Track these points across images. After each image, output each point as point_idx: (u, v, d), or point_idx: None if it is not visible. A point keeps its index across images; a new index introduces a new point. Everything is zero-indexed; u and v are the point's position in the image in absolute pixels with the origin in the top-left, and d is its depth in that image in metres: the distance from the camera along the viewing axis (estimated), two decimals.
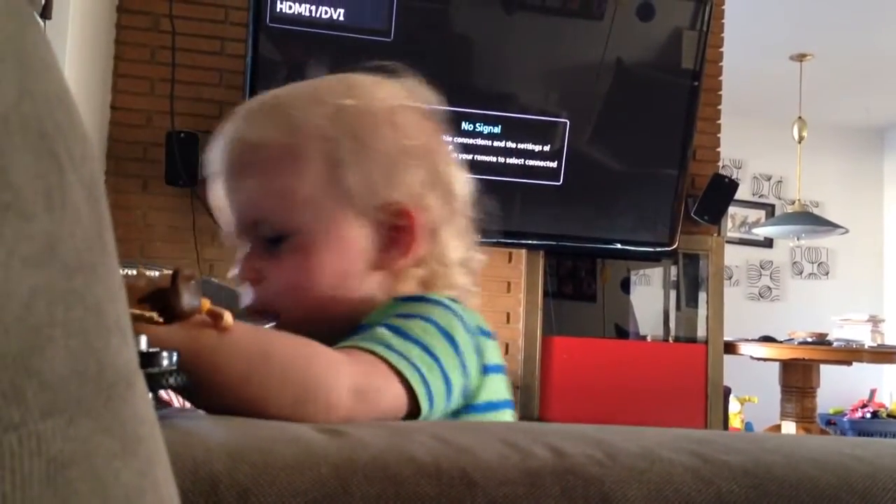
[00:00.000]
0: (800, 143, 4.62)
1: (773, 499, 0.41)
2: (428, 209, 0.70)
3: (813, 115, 4.73)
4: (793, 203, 4.93)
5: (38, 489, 0.17)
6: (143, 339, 0.46)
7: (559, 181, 2.71)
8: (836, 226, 4.51)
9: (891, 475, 0.45)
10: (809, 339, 4.18)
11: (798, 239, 4.91)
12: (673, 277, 3.43)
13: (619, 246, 2.94)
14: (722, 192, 3.07)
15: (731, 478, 0.43)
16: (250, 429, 0.45)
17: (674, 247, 2.92)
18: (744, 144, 5.60)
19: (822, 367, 4.06)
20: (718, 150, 3.20)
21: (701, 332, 3.23)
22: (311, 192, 0.67)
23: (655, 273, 3.56)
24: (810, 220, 4.63)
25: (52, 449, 0.17)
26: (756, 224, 5.51)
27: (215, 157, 0.71)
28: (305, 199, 0.67)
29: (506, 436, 0.46)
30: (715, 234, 3.17)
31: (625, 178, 2.87)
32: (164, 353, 0.46)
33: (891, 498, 0.42)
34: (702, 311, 3.24)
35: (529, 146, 2.77)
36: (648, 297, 3.62)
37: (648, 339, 3.50)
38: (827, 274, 6.09)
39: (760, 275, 5.94)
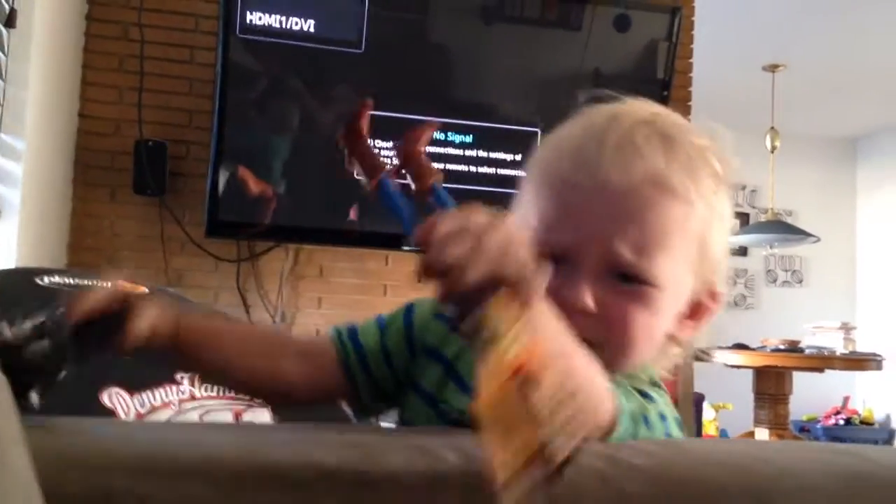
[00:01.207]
0: (773, 152, 4.68)
1: (674, 498, 0.42)
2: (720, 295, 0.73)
3: (786, 124, 4.78)
4: (766, 212, 4.98)
5: None
6: None
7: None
8: (807, 234, 4.56)
9: (793, 477, 0.46)
10: (782, 347, 4.22)
11: (771, 247, 4.96)
12: None
13: None
14: None
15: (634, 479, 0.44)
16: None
17: None
18: None
19: (795, 374, 4.09)
20: None
21: None
22: (688, 260, 0.68)
23: None
24: (783, 228, 4.68)
25: None
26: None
27: (603, 172, 0.66)
28: (683, 261, 0.67)
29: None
30: None
31: None
32: None
33: (787, 498, 0.43)
34: None
35: (502, 155, 2.78)
36: None
37: None
38: (801, 282, 6.16)
39: (735, 283, 5.99)
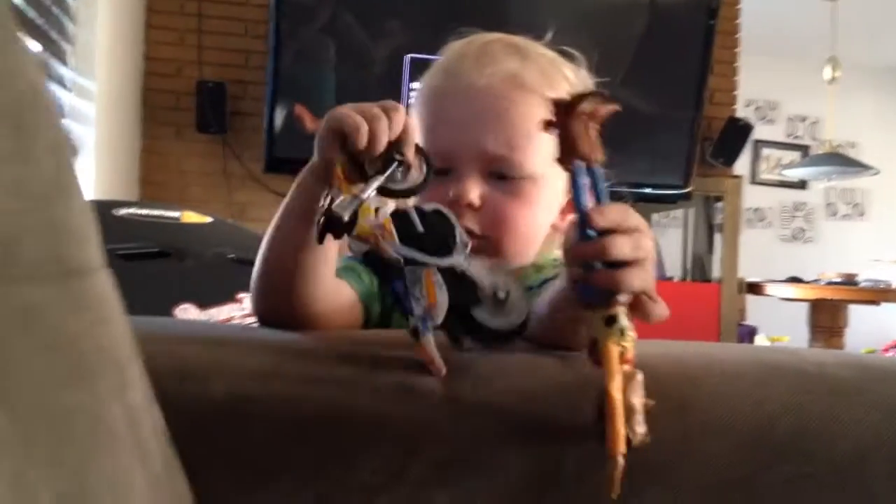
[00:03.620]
0: (832, 83, 4.58)
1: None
2: None
3: (847, 55, 4.67)
4: (825, 144, 4.91)
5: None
6: None
7: None
8: (866, 167, 4.48)
9: (721, 363, 0.56)
10: (837, 280, 4.21)
11: (829, 180, 4.89)
12: (693, 219, 3.49)
13: (633, 189, 3.01)
14: (737, 134, 3.11)
15: None
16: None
17: (689, 189, 2.98)
18: (778, 85, 5.55)
19: (852, 307, 4.09)
20: (735, 93, 3.22)
21: (717, 272, 3.31)
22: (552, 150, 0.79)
23: (688, 215, 3.62)
24: (840, 161, 4.60)
25: (22, 300, 0.29)
26: (789, 166, 5.49)
27: (466, 77, 0.76)
28: (549, 153, 0.78)
29: None
30: (731, 176, 3.22)
31: (640, 121, 2.92)
32: None
33: (713, 378, 0.54)
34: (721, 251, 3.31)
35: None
36: (677, 239, 3.69)
37: (675, 280, 3.58)
38: (862, 215, 6.05)
39: (794, 216, 5.93)
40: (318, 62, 2.75)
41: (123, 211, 1.23)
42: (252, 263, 0.68)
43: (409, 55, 2.59)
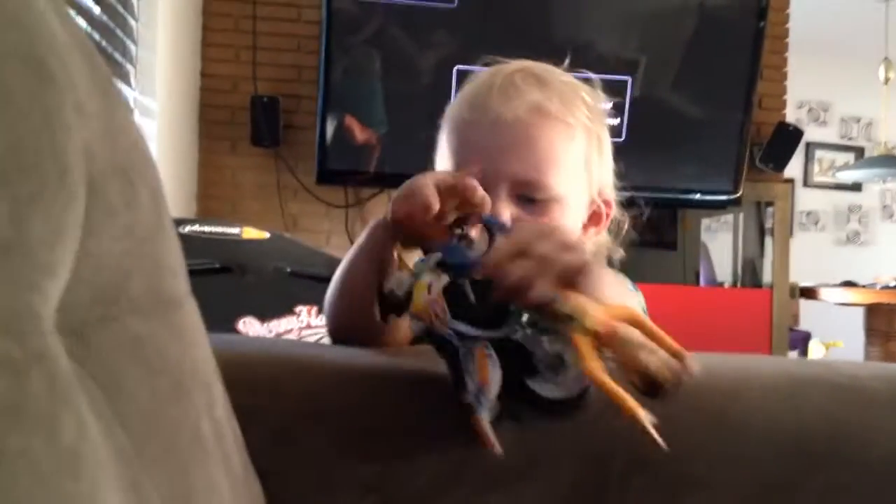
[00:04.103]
0: (886, 83, 4.50)
1: None
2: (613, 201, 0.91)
3: None
4: (880, 145, 4.82)
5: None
6: None
7: (621, 138, 2.78)
8: None
9: (758, 378, 0.59)
10: (892, 284, 4.13)
11: (884, 182, 4.81)
12: (743, 224, 3.47)
13: (682, 196, 3.01)
14: (787, 140, 3.09)
15: None
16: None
17: (738, 194, 2.96)
18: (831, 87, 5.47)
19: None
20: (784, 97, 3.20)
21: (769, 277, 3.28)
22: (579, 172, 0.85)
23: (738, 220, 3.60)
24: (894, 163, 4.52)
25: (133, 331, 0.34)
26: (843, 168, 5.40)
27: (494, 110, 0.82)
28: (575, 175, 0.84)
29: None
30: (781, 181, 3.19)
31: (688, 127, 2.92)
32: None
33: (750, 390, 0.57)
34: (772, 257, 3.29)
35: (606, 117, 2.84)
36: (727, 244, 3.67)
37: (726, 285, 3.56)
38: None
39: (848, 219, 5.82)
40: (368, 75, 2.81)
41: (188, 229, 1.30)
42: (307, 277, 0.73)
43: (456, 66, 2.64)
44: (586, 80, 0.91)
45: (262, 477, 0.51)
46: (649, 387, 0.48)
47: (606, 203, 0.90)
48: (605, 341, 0.50)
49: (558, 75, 0.88)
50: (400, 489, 0.53)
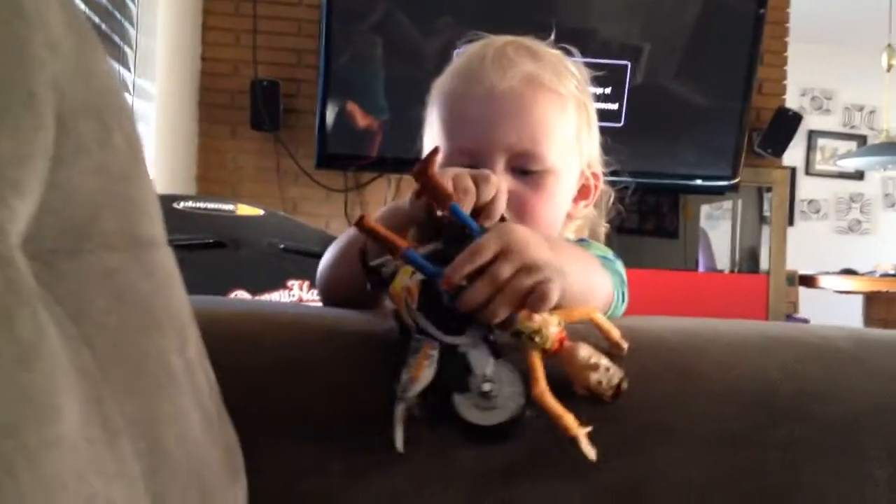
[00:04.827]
0: (889, 70, 4.49)
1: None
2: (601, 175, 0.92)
3: None
4: (882, 133, 4.81)
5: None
6: None
7: (620, 123, 2.79)
8: None
9: (727, 335, 0.61)
10: (891, 272, 4.14)
11: (885, 170, 4.80)
12: (742, 210, 3.48)
13: (680, 182, 3.01)
14: (787, 125, 3.09)
15: None
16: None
17: (736, 180, 2.97)
18: (834, 75, 5.46)
19: None
20: (785, 83, 3.20)
21: (765, 263, 3.29)
22: (571, 144, 0.85)
23: (737, 207, 3.61)
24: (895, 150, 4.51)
25: (104, 265, 0.35)
26: (845, 156, 5.39)
27: (487, 80, 0.82)
28: (568, 147, 0.85)
29: None
30: (780, 167, 3.20)
31: (687, 112, 2.92)
32: None
33: (717, 346, 0.58)
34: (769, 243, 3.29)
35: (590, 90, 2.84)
36: (727, 230, 3.68)
37: (724, 271, 3.57)
38: None
39: (850, 207, 5.82)
40: (369, 59, 2.81)
41: (182, 204, 1.32)
42: (300, 253, 0.75)
43: (458, 51, 2.64)
44: (567, 53, 0.91)
45: (237, 427, 0.53)
46: (594, 396, 0.55)
47: (595, 176, 0.91)
48: (557, 360, 0.54)
49: (546, 47, 0.89)
50: (374, 442, 0.55)
